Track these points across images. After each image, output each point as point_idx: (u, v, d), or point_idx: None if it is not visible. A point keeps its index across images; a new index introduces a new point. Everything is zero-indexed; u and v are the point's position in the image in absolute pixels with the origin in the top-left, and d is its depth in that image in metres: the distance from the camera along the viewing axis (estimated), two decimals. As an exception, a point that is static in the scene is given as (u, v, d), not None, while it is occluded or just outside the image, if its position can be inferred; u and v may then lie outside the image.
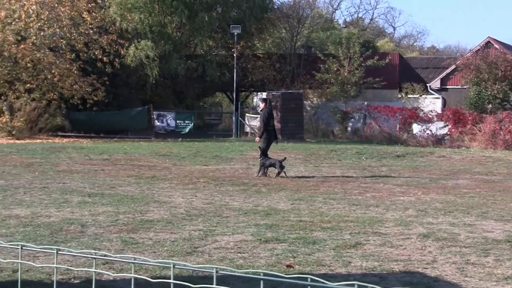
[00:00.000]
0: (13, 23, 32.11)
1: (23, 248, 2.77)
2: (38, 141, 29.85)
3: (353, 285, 2.38)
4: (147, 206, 12.14)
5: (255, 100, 50.36)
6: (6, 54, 32.21)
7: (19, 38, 32.83)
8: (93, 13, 33.73)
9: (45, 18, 32.04)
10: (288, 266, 7.85)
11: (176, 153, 24.34)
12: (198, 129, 40.23)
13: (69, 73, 32.98)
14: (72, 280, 7.14)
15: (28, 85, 33.14)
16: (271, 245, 8.95)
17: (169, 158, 22.39)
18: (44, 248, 2.68)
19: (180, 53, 41.11)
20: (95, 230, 9.74)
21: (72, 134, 34.13)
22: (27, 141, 29.76)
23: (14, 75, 32.99)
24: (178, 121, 38.65)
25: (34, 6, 31.36)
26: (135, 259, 2.78)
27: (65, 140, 31.12)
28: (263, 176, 17.58)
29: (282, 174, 17.37)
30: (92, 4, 34.08)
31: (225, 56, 43.86)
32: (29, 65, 32.75)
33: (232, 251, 8.59)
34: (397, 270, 7.80)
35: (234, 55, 38.99)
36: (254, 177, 17.61)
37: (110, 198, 13.04)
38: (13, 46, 32.16)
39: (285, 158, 18.27)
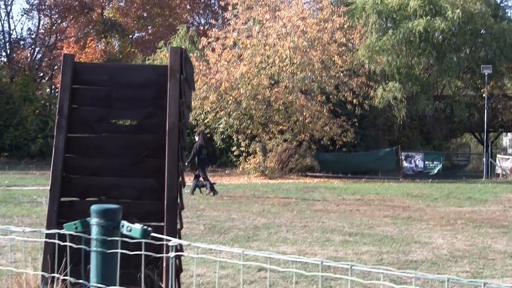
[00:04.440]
0: (267, 67, 33.66)
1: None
2: (290, 181, 30.87)
3: None
4: (409, 246, 12.14)
5: (504, 140, 48.72)
6: (260, 97, 33.77)
7: (273, 82, 34.32)
8: (343, 56, 34.46)
9: (298, 62, 33.23)
10: None
11: (427, 194, 24.10)
12: (446, 170, 39.53)
13: (320, 115, 33.95)
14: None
15: (280, 126, 34.54)
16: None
17: (422, 199, 22.20)
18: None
19: (427, 94, 40.79)
20: (361, 268, 9.89)
21: (321, 174, 34.92)
22: (279, 181, 30.88)
23: (267, 118, 34.48)
24: (426, 162, 38.22)
25: (287, 51, 32.67)
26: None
27: (315, 180, 31.86)
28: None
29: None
30: (342, 48, 34.83)
31: (473, 97, 42.97)
32: (281, 107, 34.14)
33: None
34: None
35: (484, 95, 38.05)
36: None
37: (370, 237, 13.19)
38: (267, 89, 33.69)
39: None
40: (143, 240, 2.82)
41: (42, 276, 6.84)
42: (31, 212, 15.92)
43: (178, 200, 6.66)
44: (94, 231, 2.84)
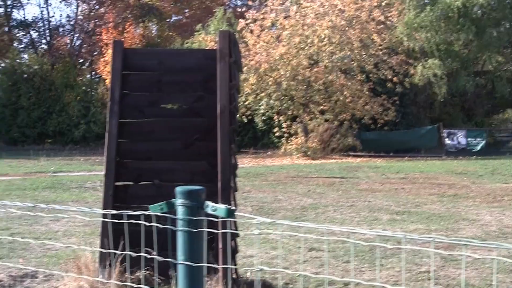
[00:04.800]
0: (306, 48, 33.55)
1: None
2: (332, 161, 30.84)
3: None
4: (457, 224, 12.10)
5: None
6: (300, 77, 33.71)
7: (312, 62, 34.20)
8: (382, 34, 34.21)
9: (337, 42, 33.06)
10: None
11: (472, 171, 23.92)
12: (489, 147, 39.11)
13: (360, 94, 33.81)
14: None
15: (321, 107, 34.47)
16: None
17: (466, 176, 22.05)
18: None
19: (468, 70, 40.32)
20: (411, 247, 9.92)
21: (363, 153, 34.85)
22: (322, 161, 30.86)
23: (308, 98, 34.43)
24: (469, 139, 37.83)
25: (326, 31, 32.50)
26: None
27: (358, 159, 31.79)
28: None
29: None
30: (381, 26, 34.55)
31: (515, 72, 42.47)
32: (321, 87, 34.03)
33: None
34: None
35: (526, 69, 37.62)
36: None
37: (418, 216, 13.17)
38: (306, 70, 33.61)
39: None
40: (228, 219, 2.92)
41: (100, 258, 6.99)
42: (80, 198, 16.17)
43: (232, 182, 6.75)
44: (180, 211, 2.92)
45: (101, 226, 7.11)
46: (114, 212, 3.97)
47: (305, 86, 34.21)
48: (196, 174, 7.37)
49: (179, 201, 2.95)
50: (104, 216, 6.74)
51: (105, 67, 45.87)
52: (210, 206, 2.88)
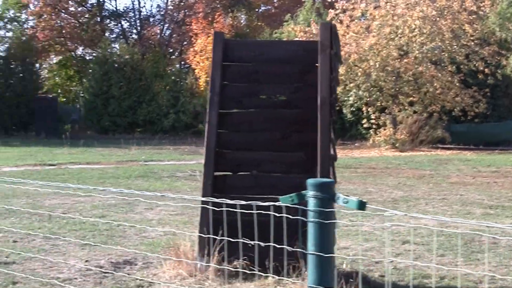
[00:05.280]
0: (396, 38, 33.18)
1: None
2: (421, 153, 30.46)
3: None
4: (555, 219, 11.83)
5: None
6: (389, 68, 33.37)
7: (402, 52, 33.82)
8: (474, 24, 33.53)
9: (427, 32, 32.58)
10: None
11: None
12: None
13: (450, 85, 33.25)
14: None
15: (410, 98, 34.07)
16: None
17: (562, 171, 21.47)
18: None
19: None
20: (508, 242, 9.74)
21: (452, 146, 34.29)
22: (410, 153, 30.52)
23: (397, 89, 34.07)
24: None
25: (417, 21, 32.07)
26: None
27: (447, 152, 31.30)
28: None
29: None
30: (473, 16, 33.86)
31: None
32: (411, 78, 33.63)
33: None
34: None
35: None
36: None
37: (512, 210, 12.94)
38: (396, 60, 33.26)
39: None
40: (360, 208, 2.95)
41: (199, 246, 7.12)
42: (172, 187, 16.46)
43: (331, 174, 6.77)
44: (311, 203, 2.97)
45: (199, 214, 7.23)
46: (215, 200, 4.04)
47: (395, 77, 33.85)
48: (293, 165, 7.42)
49: (310, 193, 2.99)
50: (204, 204, 6.87)
51: (194, 57, 46.47)
52: (342, 198, 2.92)
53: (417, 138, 33.49)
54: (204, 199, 5.40)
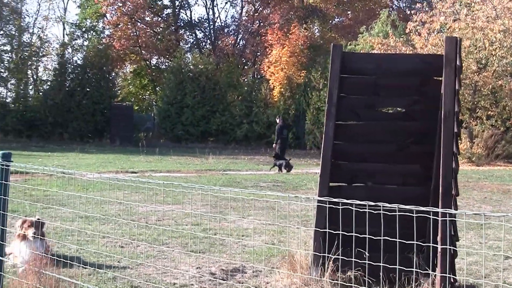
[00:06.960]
0: (475, 51, 32.79)
1: None
2: (499, 167, 29.98)
3: None
4: None
5: None
6: (467, 81, 32.99)
7: (481, 66, 33.41)
8: None
9: (508, 46, 32.12)
10: None
11: None
12: None
13: (530, 100, 32.77)
14: None
15: (488, 112, 33.62)
16: None
17: None
18: None
19: None
20: None
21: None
22: (487, 167, 30.07)
23: (475, 103, 33.66)
24: None
25: (498, 35, 31.63)
26: None
27: (526, 167, 30.77)
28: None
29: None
30: (555, 30, 33.23)
31: None
32: (489, 92, 33.20)
33: None
34: None
35: None
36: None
37: None
38: (475, 74, 32.87)
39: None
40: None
41: (314, 256, 7.17)
42: (258, 196, 16.51)
43: (453, 187, 6.74)
44: None
45: (314, 223, 7.27)
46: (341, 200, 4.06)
47: (472, 91, 33.45)
48: (408, 177, 7.44)
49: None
50: (322, 211, 6.92)
51: (268, 68, 46.67)
52: None
53: (492, 153, 32.99)
54: (320, 199, 5.45)
